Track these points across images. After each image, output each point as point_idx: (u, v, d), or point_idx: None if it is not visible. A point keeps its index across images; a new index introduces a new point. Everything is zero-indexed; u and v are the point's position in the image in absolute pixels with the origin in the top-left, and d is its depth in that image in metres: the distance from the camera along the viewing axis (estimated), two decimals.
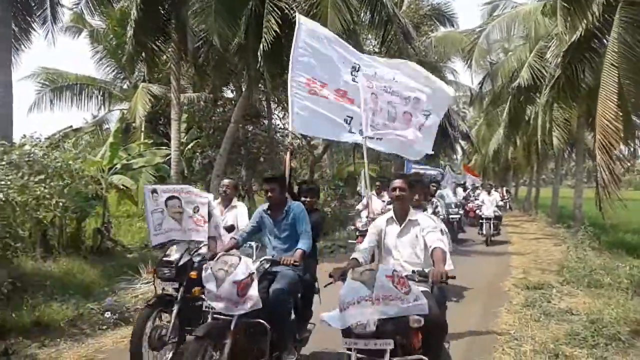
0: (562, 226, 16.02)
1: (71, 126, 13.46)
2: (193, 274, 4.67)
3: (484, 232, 15.03)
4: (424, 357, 3.26)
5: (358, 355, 3.18)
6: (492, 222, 15.08)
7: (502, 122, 20.29)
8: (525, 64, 16.46)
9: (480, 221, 15.54)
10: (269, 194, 4.67)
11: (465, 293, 8.49)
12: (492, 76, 21.02)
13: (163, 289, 4.99)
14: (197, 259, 4.97)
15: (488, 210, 15.24)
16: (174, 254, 4.90)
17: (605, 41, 9.73)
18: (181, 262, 4.82)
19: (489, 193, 16.58)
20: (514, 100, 16.19)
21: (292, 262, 4.24)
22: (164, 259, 4.90)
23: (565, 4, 9.31)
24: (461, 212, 15.88)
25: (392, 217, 4.07)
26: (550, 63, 15.48)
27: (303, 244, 4.51)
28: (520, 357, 5.29)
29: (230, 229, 5.29)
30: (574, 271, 9.04)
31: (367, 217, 8.15)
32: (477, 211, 16.63)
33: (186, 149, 14.57)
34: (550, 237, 16.22)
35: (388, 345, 3.12)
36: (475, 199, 18.54)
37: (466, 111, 35.51)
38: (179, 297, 4.72)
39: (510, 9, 18.13)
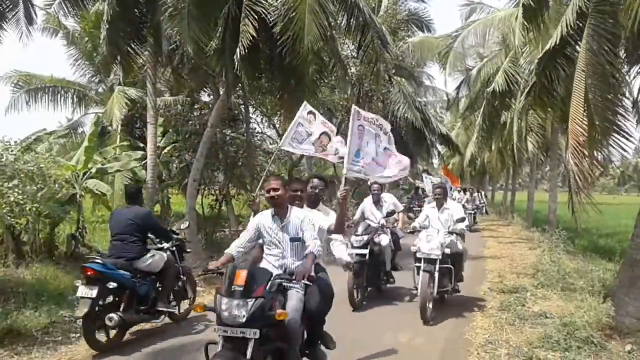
0: (537, 230, 16.27)
1: (44, 129, 13.22)
2: None
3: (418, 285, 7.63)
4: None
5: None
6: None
7: (476, 127, 20.54)
8: (500, 69, 16.70)
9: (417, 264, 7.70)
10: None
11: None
12: (468, 81, 21.31)
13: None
14: None
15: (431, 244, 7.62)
16: None
17: (578, 48, 9.96)
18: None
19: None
20: (489, 105, 16.37)
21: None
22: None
23: (525, 22, 9.63)
24: None
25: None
26: (525, 69, 15.76)
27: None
28: None
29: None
30: (548, 274, 9.18)
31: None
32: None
33: (163, 152, 14.41)
34: (525, 241, 16.45)
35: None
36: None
37: (443, 116, 35.85)
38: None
39: (486, 14, 18.38)
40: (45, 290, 7.54)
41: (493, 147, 24.67)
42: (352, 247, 7.71)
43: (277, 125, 21.12)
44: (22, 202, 6.54)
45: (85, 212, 11.73)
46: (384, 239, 8.24)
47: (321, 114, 19.79)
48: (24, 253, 9.12)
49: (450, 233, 7.54)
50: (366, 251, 7.79)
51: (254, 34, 9.93)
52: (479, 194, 30.53)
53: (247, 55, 10.05)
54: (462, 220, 7.62)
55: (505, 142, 21.96)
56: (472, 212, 20.80)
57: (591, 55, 7.80)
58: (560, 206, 16.85)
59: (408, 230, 8.20)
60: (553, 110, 14.22)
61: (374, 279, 8.16)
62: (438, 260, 7.11)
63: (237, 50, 9.90)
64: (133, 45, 11.70)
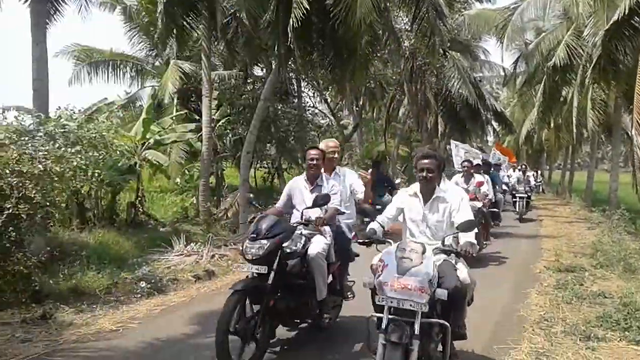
0: (596, 210, 15.66)
1: (106, 98, 13.74)
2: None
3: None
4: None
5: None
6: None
7: (536, 103, 19.83)
8: (561, 43, 16.00)
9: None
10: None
11: (495, 273, 8.44)
12: (526, 56, 20.52)
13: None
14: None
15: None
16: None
17: None
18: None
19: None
20: (549, 80, 15.79)
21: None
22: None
23: None
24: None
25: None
26: (588, 42, 15.03)
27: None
28: (550, 337, 5.23)
29: None
30: (608, 255, 8.85)
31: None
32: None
33: (217, 125, 14.66)
34: (583, 220, 15.90)
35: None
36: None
37: (499, 92, 34.80)
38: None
39: None
40: (107, 254, 7.90)
41: (552, 124, 23.83)
42: None
43: (329, 100, 21.08)
44: (84, 167, 6.81)
45: (144, 181, 12.14)
46: None
47: (372, 88, 19.70)
48: (87, 219, 9.56)
49: (446, 252, 3.94)
50: None
51: (307, 7, 9.87)
52: (535, 173, 27.75)
53: (299, 28, 10.00)
54: (469, 226, 3.91)
55: (565, 119, 21.12)
56: (525, 195, 16.46)
57: None
58: (622, 186, 16.17)
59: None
60: (617, 84, 13.60)
61: None
62: (419, 315, 3.45)
63: (290, 23, 9.86)
64: (188, 19, 11.88)
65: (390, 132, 26.34)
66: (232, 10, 12.30)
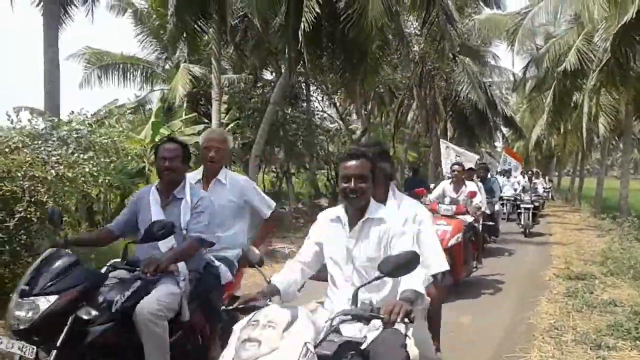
0: (606, 217, 15.54)
1: (117, 99, 13.90)
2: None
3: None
4: None
5: None
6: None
7: (545, 108, 19.75)
8: (572, 48, 15.94)
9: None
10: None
11: (504, 280, 8.38)
12: (536, 61, 20.44)
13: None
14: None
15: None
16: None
17: None
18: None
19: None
20: (559, 85, 15.73)
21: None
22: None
23: None
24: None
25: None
26: (599, 47, 14.95)
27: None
28: (560, 346, 5.18)
29: None
30: (619, 262, 8.76)
31: None
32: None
33: (226, 129, 14.70)
34: (593, 227, 15.77)
35: None
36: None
37: (509, 97, 34.67)
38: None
39: None
40: (116, 257, 7.89)
41: (562, 130, 23.71)
42: None
43: (338, 104, 21.10)
44: (95, 173, 6.84)
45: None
46: None
47: (381, 92, 19.74)
48: (96, 222, 9.61)
49: (360, 319, 2.30)
50: None
51: (318, 10, 9.90)
52: (543, 179, 24.71)
53: (309, 32, 10.05)
54: (406, 264, 2.26)
55: (575, 125, 21.02)
56: (530, 206, 13.97)
57: None
58: (632, 193, 16.05)
59: None
60: (626, 89, 13.52)
61: None
62: None
63: (301, 26, 9.90)
64: (199, 23, 11.94)
65: (398, 137, 26.31)
66: (241, 14, 12.36)
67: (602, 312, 6.38)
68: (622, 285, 7.76)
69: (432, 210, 6.59)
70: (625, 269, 8.38)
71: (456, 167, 8.00)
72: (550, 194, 26.36)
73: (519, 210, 14.49)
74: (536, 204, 14.69)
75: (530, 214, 14.03)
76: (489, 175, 12.18)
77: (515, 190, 15.90)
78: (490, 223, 10.61)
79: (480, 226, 8.90)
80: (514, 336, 5.60)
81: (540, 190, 17.89)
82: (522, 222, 14.00)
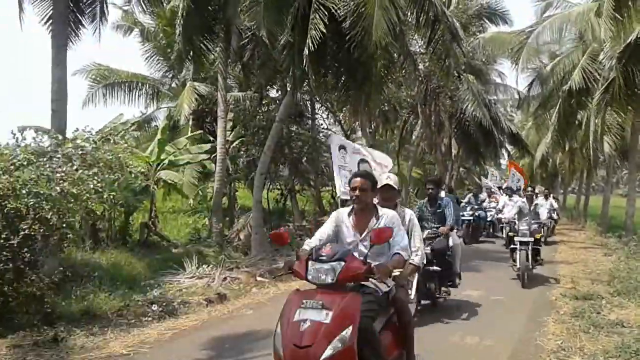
0: (612, 236, 15.41)
1: (122, 114, 13.99)
2: None
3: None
4: None
5: None
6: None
7: (550, 127, 19.73)
8: (577, 66, 15.98)
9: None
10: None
11: (510, 300, 8.29)
12: (541, 79, 20.48)
13: None
14: None
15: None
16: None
17: None
18: None
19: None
20: (564, 103, 15.73)
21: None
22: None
23: (615, 14, 9.15)
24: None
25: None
26: (604, 66, 14.98)
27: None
28: None
29: None
30: (626, 282, 8.66)
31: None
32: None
33: (231, 146, 14.74)
34: (599, 246, 15.64)
35: None
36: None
37: (514, 115, 34.68)
38: None
39: (562, 9, 17.63)
40: (120, 275, 7.91)
41: (567, 148, 23.63)
42: None
43: (343, 122, 21.13)
44: (100, 190, 6.85)
45: (157, 202, 12.20)
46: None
47: (386, 110, 19.73)
48: (100, 239, 9.60)
49: None
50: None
51: (323, 29, 9.97)
52: (552, 199, 19.73)
53: (314, 51, 10.11)
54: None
55: (581, 143, 20.97)
56: (529, 239, 9.55)
57: None
58: (638, 212, 15.92)
59: None
60: (633, 108, 13.51)
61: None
62: None
63: (307, 45, 9.96)
64: (205, 42, 12.05)
65: (403, 154, 26.31)
66: (249, 33, 12.47)
67: (609, 332, 6.31)
68: (630, 305, 7.67)
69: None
70: (632, 289, 8.29)
71: (358, 181, 3.92)
72: (556, 213, 24.06)
73: (512, 246, 10.02)
74: (537, 235, 9.96)
75: (528, 253, 9.56)
76: (442, 194, 9.57)
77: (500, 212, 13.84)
78: (437, 268, 7.21)
79: (416, 281, 6.52)
80: (521, 357, 5.52)
81: (545, 215, 12.20)
82: (518, 264, 9.49)
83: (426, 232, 7.02)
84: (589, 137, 16.18)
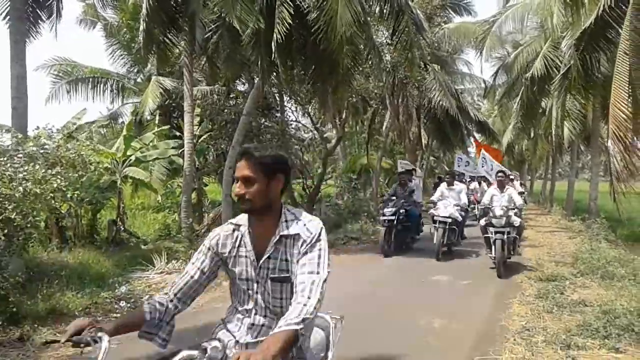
0: (577, 219, 15.87)
1: (85, 109, 13.68)
2: None
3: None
4: None
5: None
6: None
7: (514, 114, 20.14)
8: (539, 54, 16.31)
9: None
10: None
11: (476, 283, 8.48)
12: (505, 68, 20.86)
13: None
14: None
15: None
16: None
17: (620, 31, 9.64)
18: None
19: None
20: (527, 91, 16.04)
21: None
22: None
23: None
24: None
25: None
26: (565, 53, 15.33)
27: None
28: (531, 347, 5.27)
29: None
30: (588, 263, 8.96)
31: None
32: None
33: (199, 141, 14.63)
34: (564, 229, 16.09)
35: None
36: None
37: (480, 103, 35.22)
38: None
39: None
40: (87, 273, 7.81)
41: (532, 134, 24.10)
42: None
43: (312, 114, 21.14)
44: (64, 188, 6.74)
45: (125, 199, 12.05)
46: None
47: (355, 102, 19.82)
48: (67, 238, 9.46)
49: None
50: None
51: (290, 21, 9.96)
52: (520, 185, 19.77)
53: (282, 43, 10.09)
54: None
55: (545, 130, 21.45)
56: (504, 229, 9.19)
57: (636, 35, 7.54)
58: (602, 195, 16.40)
59: None
60: (593, 95, 13.86)
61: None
62: None
63: (274, 37, 9.93)
64: (169, 36, 11.90)
65: (373, 145, 26.47)
66: (213, 26, 12.33)
67: (572, 312, 6.52)
68: (592, 285, 7.94)
69: None
70: (594, 269, 8.58)
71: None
72: (524, 198, 24.36)
73: (486, 235, 9.46)
74: (516, 223, 9.38)
75: (504, 242, 9.08)
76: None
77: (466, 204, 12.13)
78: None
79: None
80: (486, 338, 5.66)
81: (518, 201, 9.99)
82: (493, 253, 9.18)
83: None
84: (551, 123, 16.56)
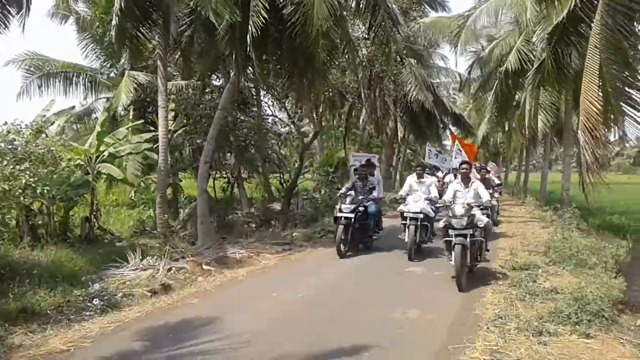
0: (549, 209, 16.15)
1: (53, 100, 13.31)
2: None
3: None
4: None
5: None
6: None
7: (488, 107, 20.37)
8: (513, 48, 16.50)
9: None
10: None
11: (452, 273, 8.57)
12: (480, 62, 21.06)
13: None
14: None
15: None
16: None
17: (592, 25, 9.78)
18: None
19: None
20: (501, 85, 16.22)
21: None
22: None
23: None
24: None
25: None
26: (538, 47, 15.53)
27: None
28: (504, 335, 5.36)
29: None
30: (560, 252, 9.13)
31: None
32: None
33: (174, 136, 14.47)
34: (538, 220, 16.36)
35: None
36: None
37: (456, 97, 35.56)
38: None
39: None
40: (60, 271, 7.65)
41: (506, 127, 24.41)
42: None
43: (289, 108, 21.10)
44: (33, 184, 6.61)
45: (99, 195, 11.86)
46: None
47: (331, 96, 19.90)
48: (39, 236, 9.26)
49: None
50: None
51: (265, 15, 9.89)
52: (498, 178, 17.22)
53: (258, 36, 10.02)
54: None
55: (519, 122, 21.75)
56: (465, 231, 7.59)
57: (606, 30, 7.63)
58: (574, 185, 16.69)
59: None
60: (565, 88, 14.08)
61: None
62: None
63: (249, 30, 9.86)
64: (143, 30, 11.71)
65: (350, 138, 26.55)
66: (187, 20, 12.19)
67: (544, 299, 6.65)
68: (564, 273, 8.09)
69: None
70: (566, 258, 8.75)
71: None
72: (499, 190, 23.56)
73: (445, 239, 7.97)
74: (481, 223, 7.90)
75: (470, 246, 7.64)
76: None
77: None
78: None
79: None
80: (460, 327, 5.74)
81: (486, 196, 8.49)
82: (453, 261, 7.59)
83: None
84: (525, 116, 16.77)
